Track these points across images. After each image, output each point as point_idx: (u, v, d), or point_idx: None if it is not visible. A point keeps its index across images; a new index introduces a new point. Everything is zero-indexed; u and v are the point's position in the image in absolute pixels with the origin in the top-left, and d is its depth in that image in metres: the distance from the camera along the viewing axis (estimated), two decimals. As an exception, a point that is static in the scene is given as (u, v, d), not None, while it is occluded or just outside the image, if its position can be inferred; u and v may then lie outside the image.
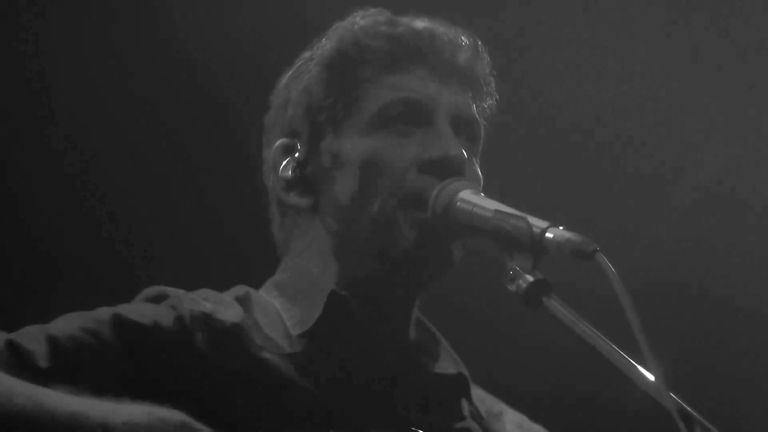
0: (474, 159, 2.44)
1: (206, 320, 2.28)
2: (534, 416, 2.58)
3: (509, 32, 4.11)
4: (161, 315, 2.27)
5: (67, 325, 2.20)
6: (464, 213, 2.27)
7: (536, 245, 2.12)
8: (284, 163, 2.46)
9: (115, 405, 2.04)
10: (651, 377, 1.96)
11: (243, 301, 2.38)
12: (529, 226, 2.14)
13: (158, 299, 2.32)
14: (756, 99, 4.33)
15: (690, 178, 4.35)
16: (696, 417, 1.93)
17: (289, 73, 2.52)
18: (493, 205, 2.25)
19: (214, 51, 3.93)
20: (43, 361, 2.14)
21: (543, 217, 2.15)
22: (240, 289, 2.42)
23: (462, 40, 2.47)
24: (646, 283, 4.02)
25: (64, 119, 3.83)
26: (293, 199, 2.45)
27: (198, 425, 2.06)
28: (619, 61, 4.28)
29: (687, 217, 4.33)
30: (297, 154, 2.46)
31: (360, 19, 2.47)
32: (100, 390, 2.09)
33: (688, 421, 1.92)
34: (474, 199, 2.28)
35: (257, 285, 2.48)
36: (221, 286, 2.42)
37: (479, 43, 2.50)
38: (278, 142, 2.48)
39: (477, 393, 2.51)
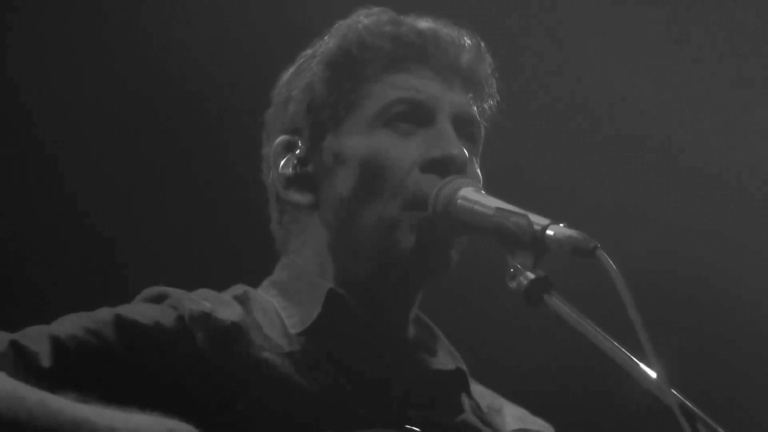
0: (474, 159, 2.45)
1: (206, 320, 2.28)
2: (535, 411, 2.58)
3: (510, 27, 4.12)
4: (162, 315, 2.26)
5: (69, 325, 2.20)
6: (465, 211, 2.27)
7: (537, 243, 2.12)
8: (284, 159, 2.46)
9: (123, 414, 2.04)
10: (653, 374, 1.96)
11: (242, 301, 2.38)
12: (530, 223, 2.14)
13: (159, 299, 2.32)
14: (758, 89, 4.34)
15: (694, 169, 4.36)
16: (698, 414, 1.93)
17: (291, 69, 2.51)
18: (493, 202, 2.25)
19: (212, 49, 3.92)
20: (46, 362, 2.13)
21: (543, 214, 2.15)
22: (239, 289, 2.42)
23: (465, 41, 2.47)
24: (647, 279, 4.04)
25: (61, 119, 3.83)
26: (293, 196, 2.45)
27: None
28: (621, 52, 4.29)
29: (690, 211, 4.33)
30: (298, 151, 2.46)
31: (364, 18, 2.46)
32: (102, 391, 2.09)
33: (690, 418, 1.92)
34: (475, 196, 2.28)
35: (255, 284, 2.48)
36: (220, 286, 2.42)
37: (482, 44, 2.50)
38: (279, 139, 2.48)
39: (477, 389, 2.52)
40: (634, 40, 4.28)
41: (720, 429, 1.94)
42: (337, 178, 2.40)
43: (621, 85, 4.29)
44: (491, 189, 2.35)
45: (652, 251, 4.25)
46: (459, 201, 2.29)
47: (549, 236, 2.11)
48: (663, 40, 4.30)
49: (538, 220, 2.14)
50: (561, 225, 2.12)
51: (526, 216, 2.16)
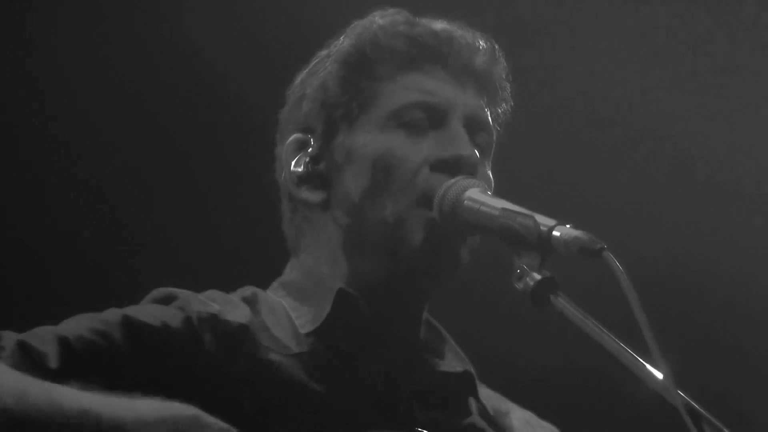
0: (486, 162, 2.45)
1: (214, 321, 2.29)
2: (541, 414, 2.58)
3: (520, 25, 4.13)
4: (170, 316, 2.27)
5: (77, 326, 2.21)
6: (471, 211, 2.28)
7: (543, 243, 2.13)
8: (297, 158, 2.47)
9: (126, 400, 2.04)
10: (659, 375, 1.96)
11: (250, 302, 2.39)
12: (537, 224, 2.14)
13: (167, 300, 2.33)
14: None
15: (699, 169, 4.36)
16: (704, 414, 1.94)
17: (307, 69, 2.53)
18: (500, 203, 2.25)
19: (228, 49, 3.93)
20: (53, 363, 2.14)
21: (550, 214, 2.16)
22: (247, 290, 2.43)
23: (480, 43, 2.48)
24: (653, 280, 4.04)
25: (70, 120, 3.84)
26: (304, 194, 2.46)
27: (210, 419, 2.05)
28: (632, 48, 4.29)
29: (697, 211, 4.33)
30: (310, 150, 2.46)
31: (379, 18, 2.48)
32: (109, 392, 2.09)
33: (696, 419, 1.92)
34: (481, 197, 2.29)
35: (263, 286, 2.48)
36: (229, 287, 2.43)
37: (496, 46, 2.50)
38: (292, 137, 2.49)
39: (484, 392, 2.52)
40: (644, 36, 4.28)
41: (725, 430, 1.94)
42: (348, 176, 2.41)
43: (629, 82, 4.29)
44: (497, 188, 2.36)
45: (659, 251, 4.25)
46: (465, 202, 2.29)
47: (555, 237, 2.12)
48: (672, 37, 4.30)
49: (544, 221, 2.15)
50: (567, 226, 2.12)
51: (532, 217, 2.16)
